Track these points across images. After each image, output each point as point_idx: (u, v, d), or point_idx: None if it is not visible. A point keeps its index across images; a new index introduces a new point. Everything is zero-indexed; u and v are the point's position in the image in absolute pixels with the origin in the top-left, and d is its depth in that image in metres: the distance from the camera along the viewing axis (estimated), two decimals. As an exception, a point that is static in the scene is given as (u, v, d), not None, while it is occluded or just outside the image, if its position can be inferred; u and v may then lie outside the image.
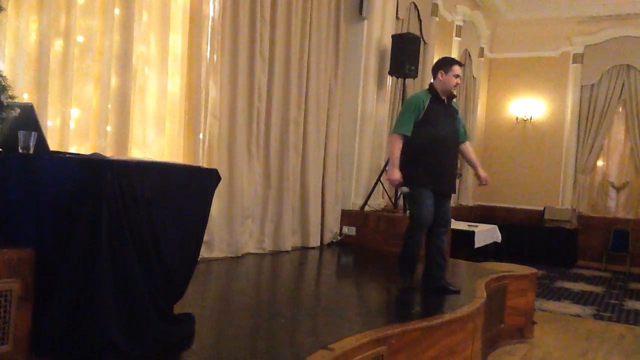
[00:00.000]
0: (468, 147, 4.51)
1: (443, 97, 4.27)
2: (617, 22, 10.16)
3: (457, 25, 9.71)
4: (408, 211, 4.51)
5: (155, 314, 2.35)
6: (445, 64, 4.30)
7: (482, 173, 4.47)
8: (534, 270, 5.17)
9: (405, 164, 4.15)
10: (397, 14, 7.35)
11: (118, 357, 2.14)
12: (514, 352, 4.63)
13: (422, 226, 4.16)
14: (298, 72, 5.83)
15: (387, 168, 4.18)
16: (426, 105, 4.17)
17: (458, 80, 4.27)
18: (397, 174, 4.12)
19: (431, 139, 4.12)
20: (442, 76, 4.25)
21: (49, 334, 2.17)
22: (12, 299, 2.12)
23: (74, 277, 2.15)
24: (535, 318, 5.12)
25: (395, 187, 4.22)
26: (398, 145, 4.15)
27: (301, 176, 6.02)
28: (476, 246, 7.24)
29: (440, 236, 4.21)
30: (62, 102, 3.64)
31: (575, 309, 6.45)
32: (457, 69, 4.24)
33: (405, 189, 4.21)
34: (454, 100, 4.43)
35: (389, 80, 7.33)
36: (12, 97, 2.25)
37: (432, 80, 4.37)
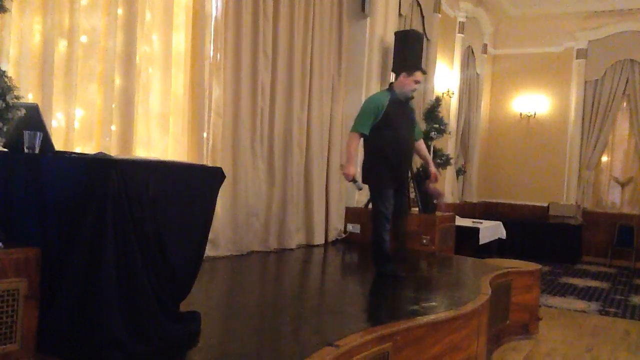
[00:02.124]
0: (421, 145, 4.84)
1: (401, 99, 4.46)
2: (621, 17, 10.12)
3: (460, 22, 9.69)
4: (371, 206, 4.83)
5: (160, 312, 2.36)
6: (408, 67, 4.56)
7: (434, 170, 4.80)
8: (538, 266, 5.17)
9: (371, 165, 4.48)
10: (399, 10, 7.34)
11: (123, 354, 2.16)
12: (519, 348, 4.63)
13: (387, 219, 4.43)
14: (301, 70, 5.83)
15: (342, 163, 4.59)
16: (385, 107, 4.37)
17: (417, 86, 4.48)
18: (351, 170, 4.40)
19: (392, 141, 4.39)
20: (403, 78, 4.44)
21: (54, 332, 2.18)
22: (19, 298, 2.13)
23: (79, 275, 2.16)
24: (540, 314, 5.11)
25: (348, 181, 4.48)
26: (355, 143, 4.49)
27: (305, 174, 6.02)
28: (481, 242, 7.25)
29: (399, 223, 4.59)
30: (66, 102, 3.65)
31: (581, 304, 6.45)
32: (418, 75, 4.45)
33: (359, 185, 4.49)
34: (411, 101, 4.64)
35: (392, 77, 7.31)
36: (17, 98, 2.26)
37: (392, 81, 4.59)
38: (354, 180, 4.45)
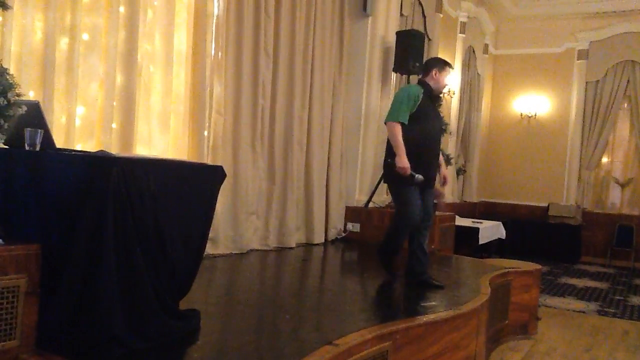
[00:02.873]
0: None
1: (435, 94, 4.34)
2: (622, 18, 10.12)
3: (461, 22, 9.69)
4: (395, 208, 4.41)
5: (160, 309, 2.37)
6: (440, 63, 4.30)
7: (445, 171, 4.58)
8: (538, 266, 5.18)
9: (387, 158, 4.16)
10: (401, 10, 7.34)
11: (122, 351, 2.16)
12: (518, 347, 4.64)
13: (411, 226, 4.17)
14: (302, 69, 5.83)
15: (394, 158, 4.02)
16: (420, 99, 4.13)
17: (447, 83, 4.34)
18: (407, 162, 3.99)
19: (425, 135, 4.12)
20: (436, 75, 4.24)
21: (54, 328, 2.19)
22: (19, 295, 2.14)
23: (79, 272, 2.17)
24: (539, 314, 5.12)
25: (406, 176, 4.00)
26: (400, 133, 4.04)
27: (305, 173, 6.03)
28: (480, 242, 7.26)
29: (423, 231, 4.24)
30: (67, 99, 3.66)
31: (580, 304, 6.45)
32: (449, 71, 4.30)
33: (420, 177, 4.02)
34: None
35: (393, 77, 7.33)
36: (18, 95, 2.27)
37: (421, 77, 4.36)
38: (412, 175, 4.01)
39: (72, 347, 2.15)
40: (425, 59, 7.18)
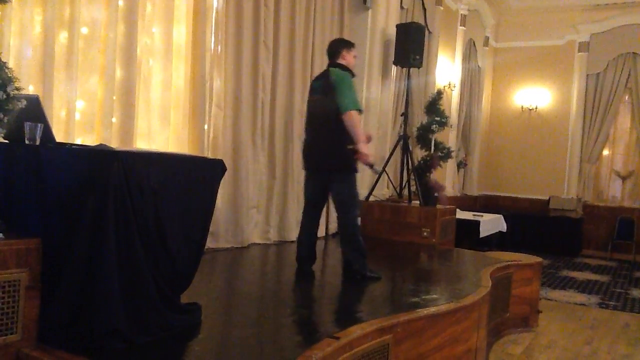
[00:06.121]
0: None
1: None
2: (623, 10, 10.09)
3: (461, 15, 9.66)
4: (341, 200, 4.12)
5: (160, 303, 2.37)
6: (346, 43, 4.23)
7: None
8: (539, 259, 5.18)
9: (342, 145, 3.92)
10: (401, 3, 7.32)
11: (123, 344, 2.17)
12: (519, 340, 4.65)
13: (358, 210, 4.11)
14: (302, 62, 5.82)
15: (348, 145, 3.88)
16: None
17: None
18: (367, 150, 3.90)
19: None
20: (346, 55, 4.14)
21: (55, 322, 2.19)
22: (20, 289, 2.14)
23: (80, 265, 2.17)
24: (540, 307, 5.13)
25: (367, 164, 3.94)
26: (360, 122, 3.97)
27: (306, 166, 6.01)
28: (481, 236, 7.26)
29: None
30: (67, 93, 3.65)
31: (580, 297, 6.46)
32: (355, 50, 4.23)
33: (377, 169, 3.87)
34: None
35: (394, 69, 7.31)
36: (18, 89, 2.25)
37: (333, 61, 4.15)
38: (371, 165, 4.01)
39: (74, 341, 2.15)
40: (425, 52, 7.19)
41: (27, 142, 2.36)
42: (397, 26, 6.88)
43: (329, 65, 4.18)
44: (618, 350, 4.55)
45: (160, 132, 4.43)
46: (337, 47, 4.22)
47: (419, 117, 7.67)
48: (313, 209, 4.30)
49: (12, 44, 3.30)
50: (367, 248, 4.09)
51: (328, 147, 3.99)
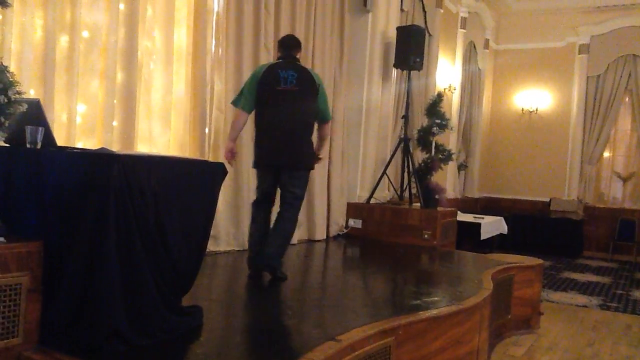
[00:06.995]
0: None
1: None
2: (623, 12, 10.10)
3: (461, 17, 9.68)
4: (297, 196, 4.12)
5: (162, 305, 2.37)
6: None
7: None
8: (540, 261, 5.17)
9: (311, 146, 4.09)
10: (401, 5, 7.33)
11: (124, 347, 2.17)
12: (521, 342, 4.64)
13: None
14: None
15: (311, 148, 4.08)
16: None
17: None
18: None
19: None
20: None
21: (57, 325, 2.19)
22: (22, 292, 2.14)
23: (81, 268, 2.17)
24: (541, 309, 5.12)
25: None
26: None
27: (307, 169, 6.01)
28: (482, 238, 7.26)
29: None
30: (68, 97, 3.66)
31: (582, 299, 6.45)
32: None
33: None
34: None
35: (394, 72, 7.32)
36: (19, 93, 2.26)
37: (298, 61, 4.13)
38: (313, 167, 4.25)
39: (75, 344, 2.15)
40: (425, 55, 7.20)
41: (28, 145, 2.37)
42: (398, 29, 6.89)
43: (293, 59, 4.08)
44: (620, 351, 4.54)
45: (161, 135, 4.44)
46: (299, 43, 4.20)
47: (420, 120, 7.68)
48: (269, 204, 4.27)
49: (13, 47, 3.31)
50: (364, 250, 4.11)
51: (302, 146, 4.01)
